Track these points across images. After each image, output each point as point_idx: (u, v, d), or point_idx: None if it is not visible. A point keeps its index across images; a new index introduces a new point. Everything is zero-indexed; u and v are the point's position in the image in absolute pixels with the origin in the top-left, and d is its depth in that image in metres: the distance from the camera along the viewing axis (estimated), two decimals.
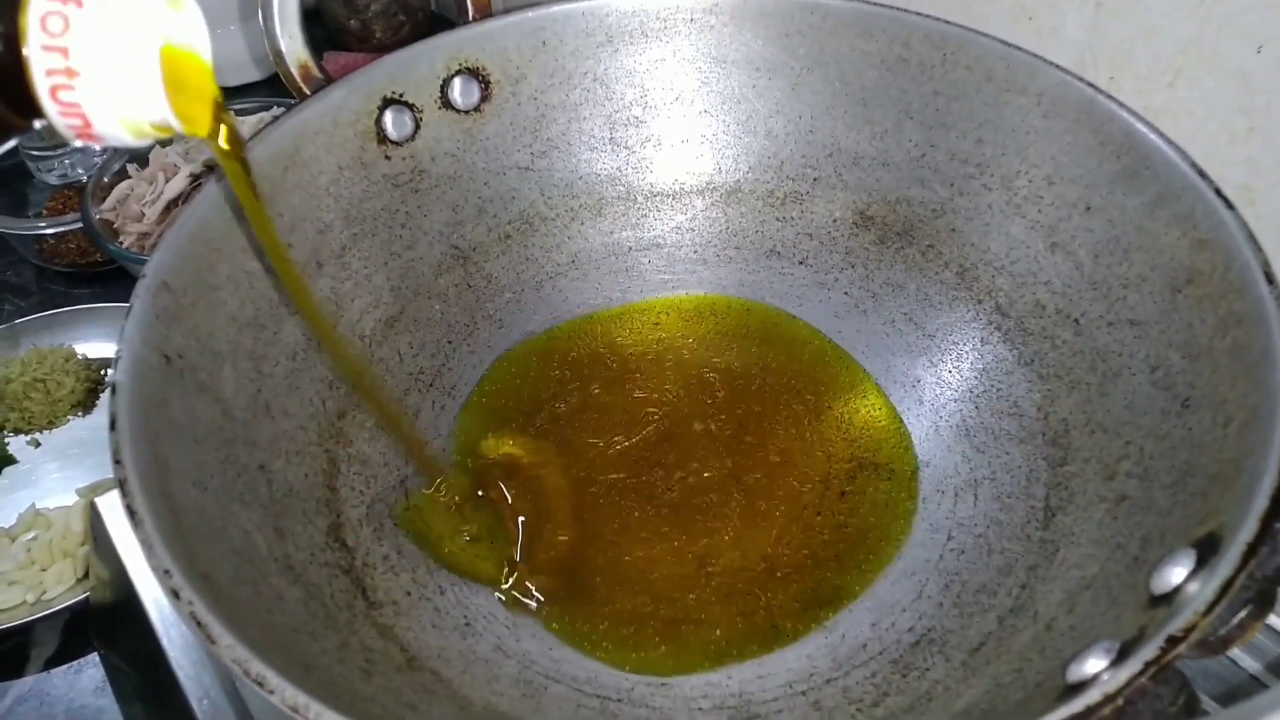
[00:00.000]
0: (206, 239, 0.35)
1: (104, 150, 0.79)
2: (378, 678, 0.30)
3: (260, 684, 0.23)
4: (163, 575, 0.25)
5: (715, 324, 0.47)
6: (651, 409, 0.43)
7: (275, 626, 0.29)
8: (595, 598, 0.37)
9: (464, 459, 0.41)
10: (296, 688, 0.23)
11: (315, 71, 0.40)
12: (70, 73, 0.21)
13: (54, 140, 0.77)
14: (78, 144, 0.22)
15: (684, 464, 0.41)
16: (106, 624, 0.48)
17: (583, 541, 0.39)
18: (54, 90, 0.21)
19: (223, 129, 0.25)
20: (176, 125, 0.23)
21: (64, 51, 0.20)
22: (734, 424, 0.43)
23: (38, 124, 0.22)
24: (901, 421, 0.42)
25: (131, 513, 0.26)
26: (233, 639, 0.24)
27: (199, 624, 0.24)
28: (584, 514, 0.40)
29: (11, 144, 0.22)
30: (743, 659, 0.35)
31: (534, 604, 0.37)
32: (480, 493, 0.40)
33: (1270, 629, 0.36)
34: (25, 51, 0.20)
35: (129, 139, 0.22)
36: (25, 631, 0.51)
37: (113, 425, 0.28)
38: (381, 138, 0.42)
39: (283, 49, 0.39)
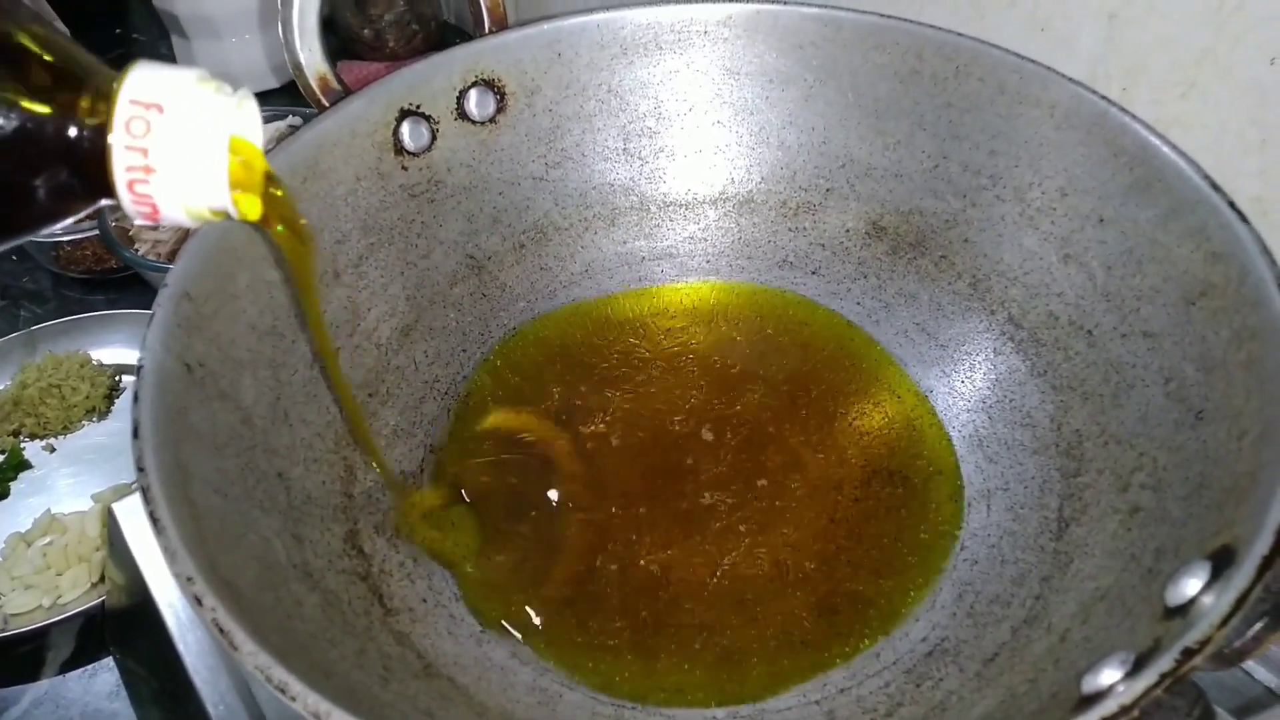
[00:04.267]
0: (228, 249, 0.35)
1: None
2: (395, 684, 0.31)
3: (282, 690, 0.24)
4: (185, 582, 0.26)
5: (728, 330, 0.47)
6: (663, 414, 0.44)
7: (295, 633, 0.29)
8: (604, 606, 0.38)
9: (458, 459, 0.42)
10: (318, 694, 0.23)
11: (334, 83, 0.40)
12: (148, 170, 0.23)
13: None
14: (139, 222, 0.24)
15: (696, 470, 0.41)
16: (122, 628, 0.48)
17: (590, 551, 0.39)
18: (131, 184, 0.23)
19: (278, 216, 0.27)
20: (234, 212, 0.25)
21: (144, 151, 0.23)
22: (746, 430, 0.43)
23: (104, 202, 0.24)
24: (915, 430, 0.42)
25: (154, 519, 0.27)
26: (255, 645, 0.24)
27: (221, 631, 0.25)
28: (592, 521, 0.40)
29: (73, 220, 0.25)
30: (756, 668, 0.36)
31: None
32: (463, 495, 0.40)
33: None
34: (110, 150, 0.22)
35: (188, 222, 0.24)
36: (41, 635, 0.52)
37: (135, 433, 0.29)
38: (398, 148, 0.42)
39: (302, 61, 0.40)
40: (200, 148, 0.23)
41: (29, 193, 0.23)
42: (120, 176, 0.23)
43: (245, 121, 0.24)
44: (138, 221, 0.25)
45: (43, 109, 0.22)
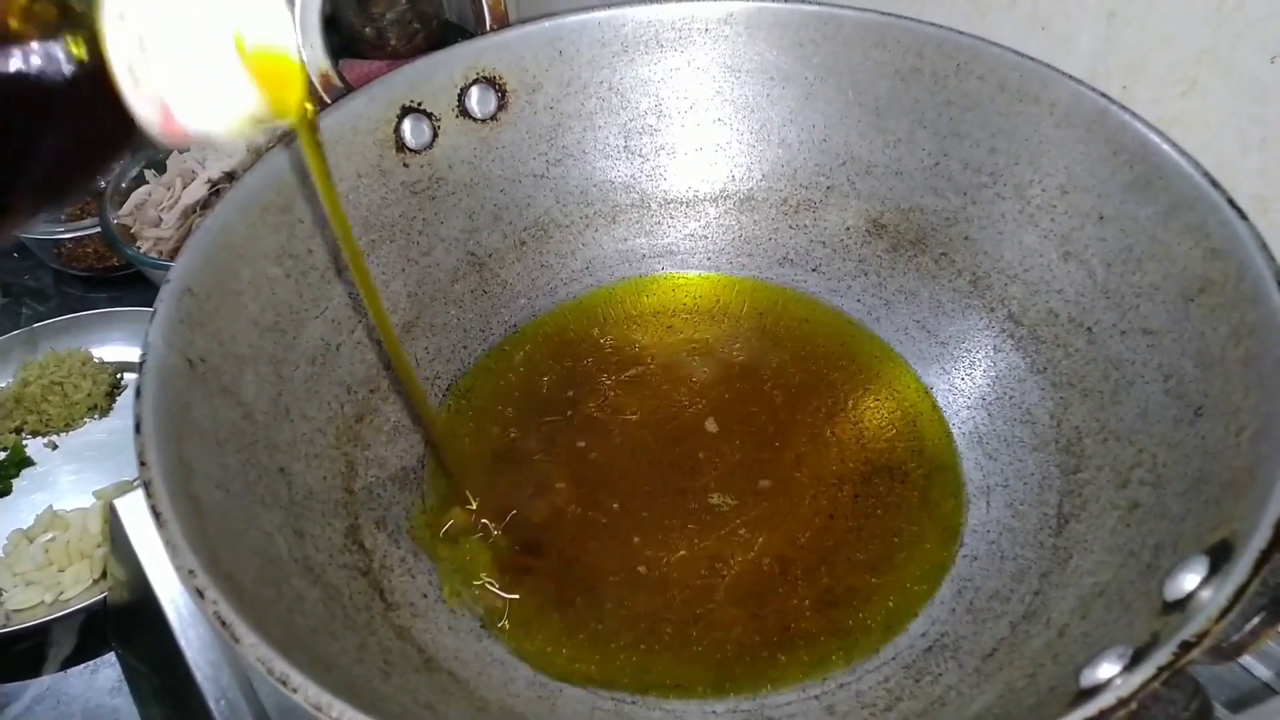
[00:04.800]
0: (229, 244, 0.35)
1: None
2: (396, 678, 0.31)
3: (284, 683, 0.24)
4: (187, 575, 0.26)
5: (729, 326, 0.47)
6: (664, 410, 0.44)
7: (296, 627, 0.29)
8: (603, 601, 0.38)
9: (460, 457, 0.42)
10: (320, 686, 0.24)
11: (336, 80, 0.40)
12: (146, 63, 0.21)
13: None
14: (167, 143, 0.23)
15: (696, 466, 0.42)
16: (124, 625, 0.49)
17: (592, 545, 0.39)
18: (134, 81, 0.21)
19: (306, 109, 0.25)
20: (264, 111, 0.23)
21: (139, 41, 0.21)
22: (746, 426, 0.43)
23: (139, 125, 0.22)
24: (915, 426, 0.42)
25: (157, 514, 0.27)
26: (257, 638, 0.24)
27: (224, 624, 0.25)
28: (591, 515, 0.40)
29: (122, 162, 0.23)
30: (756, 663, 0.36)
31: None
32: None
33: None
34: (108, 52, 0.21)
35: (219, 129, 0.22)
36: (43, 631, 0.52)
37: (138, 428, 0.29)
38: (400, 146, 0.42)
39: (304, 58, 0.40)
40: (200, 34, 0.21)
41: (56, 131, 0.22)
42: (124, 77, 0.21)
43: (263, 11, 0.22)
44: (164, 140, 0.22)
45: (37, 30, 0.21)
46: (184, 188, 0.66)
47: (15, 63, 0.21)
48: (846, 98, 0.45)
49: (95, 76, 0.21)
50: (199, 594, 0.25)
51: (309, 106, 0.25)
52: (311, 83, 0.40)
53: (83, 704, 0.50)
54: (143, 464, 0.28)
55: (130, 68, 0.21)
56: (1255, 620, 0.25)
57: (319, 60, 0.40)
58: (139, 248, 0.64)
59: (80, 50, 0.21)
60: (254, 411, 0.35)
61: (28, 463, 0.60)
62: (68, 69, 0.21)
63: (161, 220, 0.65)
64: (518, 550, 0.39)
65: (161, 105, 0.22)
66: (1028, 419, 0.40)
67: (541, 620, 0.37)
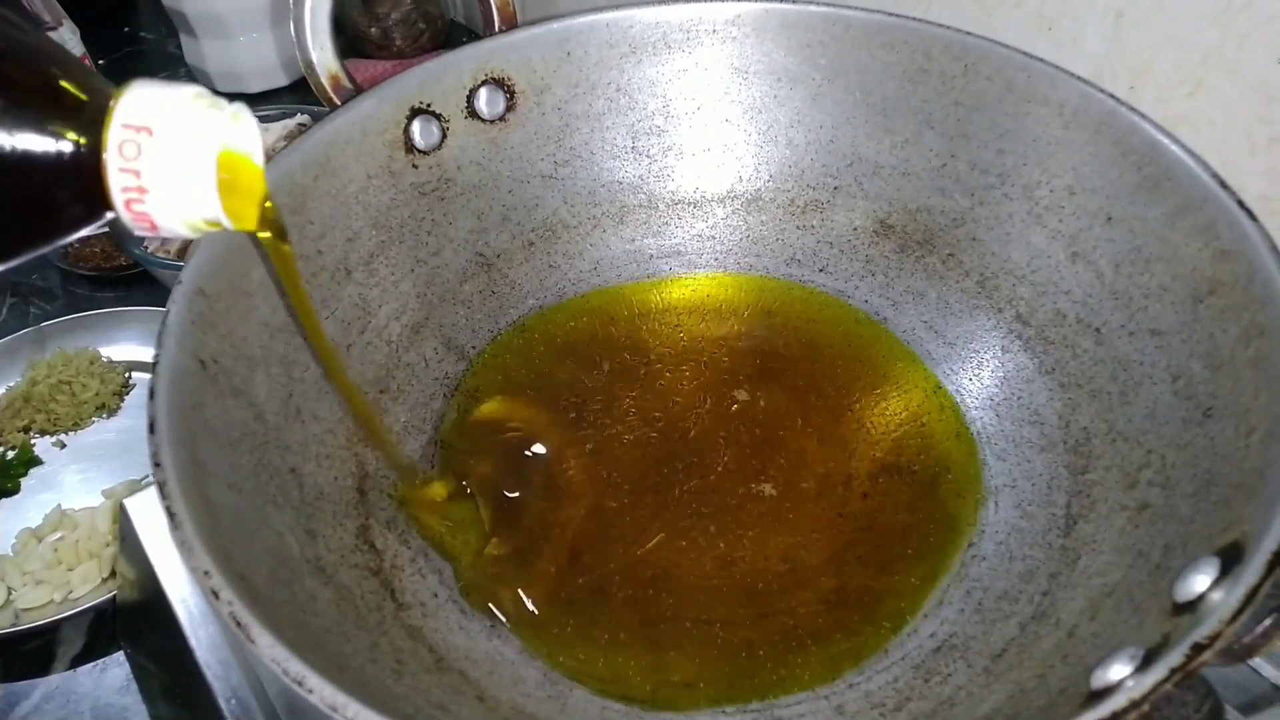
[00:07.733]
0: (240, 246, 0.35)
1: None
2: (408, 678, 0.31)
3: (299, 683, 0.24)
4: (202, 576, 0.26)
5: (737, 326, 0.47)
6: (672, 408, 0.44)
7: (309, 627, 0.29)
8: (612, 601, 0.38)
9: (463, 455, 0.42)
10: (335, 687, 0.24)
11: (345, 81, 0.41)
12: (141, 190, 0.24)
13: None
14: (132, 229, 0.25)
15: (703, 463, 0.42)
16: (133, 623, 0.49)
17: (599, 545, 0.39)
18: (128, 203, 0.24)
19: (268, 223, 0.28)
20: (227, 223, 0.26)
21: (136, 173, 0.24)
22: (754, 425, 0.43)
23: (109, 215, 0.25)
24: (922, 426, 0.43)
25: (171, 514, 0.27)
26: (272, 639, 0.25)
27: (239, 624, 0.25)
28: (600, 514, 0.40)
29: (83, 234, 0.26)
30: (765, 663, 0.36)
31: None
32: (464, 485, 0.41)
33: None
34: (105, 174, 0.24)
35: (187, 234, 0.26)
36: (52, 630, 0.52)
37: (152, 429, 0.29)
38: (409, 147, 0.43)
39: (314, 60, 0.40)
40: (189, 167, 0.24)
41: (36, 210, 0.24)
42: (117, 197, 0.24)
43: (241, 135, 0.25)
44: (138, 234, 0.25)
45: (42, 132, 0.23)
46: None
47: (27, 136, 0.23)
48: (854, 98, 0.45)
49: (90, 159, 0.23)
50: (214, 595, 0.25)
51: (271, 217, 0.28)
52: (321, 85, 0.40)
53: (91, 702, 0.50)
54: (157, 465, 0.28)
55: (124, 190, 0.24)
56: (1267, 622, 0.25)
57: (328, 62, 0.40)
58: (146, 247, 0.64)
59: (84, 135, 0.23)
60: (265, 412, 0.35)
61: (36, 462, 0.60)
62: (69, 148, 0.23)
63: None
64: (524, 550, 0.39)
65: (149, 220, 0.24)
66: (1036, 420, 0.40)
67: (549, 621, 0.37)
